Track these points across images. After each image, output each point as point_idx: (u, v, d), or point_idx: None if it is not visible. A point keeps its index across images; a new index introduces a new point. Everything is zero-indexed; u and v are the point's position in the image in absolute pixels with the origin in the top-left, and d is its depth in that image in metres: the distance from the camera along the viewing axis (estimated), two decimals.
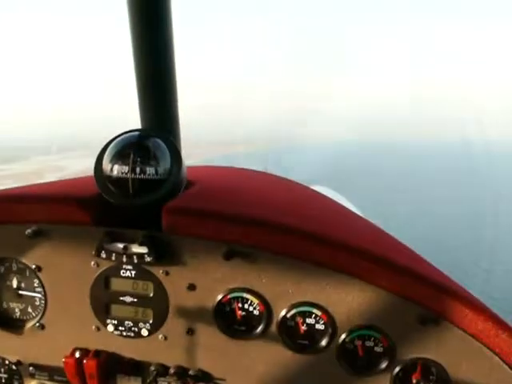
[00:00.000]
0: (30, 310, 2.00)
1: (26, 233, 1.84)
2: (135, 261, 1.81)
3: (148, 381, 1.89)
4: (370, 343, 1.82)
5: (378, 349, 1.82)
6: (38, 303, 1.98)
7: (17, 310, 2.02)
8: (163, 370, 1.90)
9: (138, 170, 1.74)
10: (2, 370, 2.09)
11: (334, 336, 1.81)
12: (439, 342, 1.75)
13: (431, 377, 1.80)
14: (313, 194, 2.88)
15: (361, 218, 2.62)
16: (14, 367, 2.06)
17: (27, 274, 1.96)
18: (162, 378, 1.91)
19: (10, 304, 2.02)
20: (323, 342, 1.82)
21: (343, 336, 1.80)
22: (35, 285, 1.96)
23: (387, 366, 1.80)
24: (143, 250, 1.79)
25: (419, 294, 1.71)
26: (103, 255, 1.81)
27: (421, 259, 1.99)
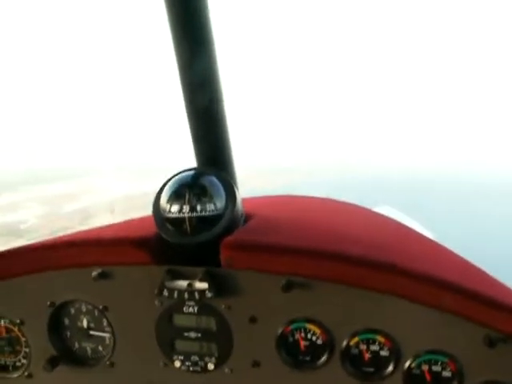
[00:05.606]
0: (100, 348, 2.10)
1: (92, 275, 1.95)
2: (197, 297, 1.87)
3: None
4: (437, 368, 1.78)
5: (446, 373, 1.77)
6: (107, 342, 2.08)
7: (88, 349, 2.12)
8: None
9: (193, 208, 1.80)
10: None
11: (399, 362, 1.79)
12: (509, 363, 1.69)
13: None
14: (376, 217, 2.84)
15: (424, 237, 2.54)
16: None
17: (96, 314, 2.06)
18: None
19: (82, 344, 2.13)
20: (389, 369, 1.80)
21: (409, 361, 1.78)
22: (104, 324, 2.06)
23: None
24: (204, 286, 1.85)
25: (485, 315, 1.67)
26: (165, 293, 1.88)
27: (486, 277, 1.93)
